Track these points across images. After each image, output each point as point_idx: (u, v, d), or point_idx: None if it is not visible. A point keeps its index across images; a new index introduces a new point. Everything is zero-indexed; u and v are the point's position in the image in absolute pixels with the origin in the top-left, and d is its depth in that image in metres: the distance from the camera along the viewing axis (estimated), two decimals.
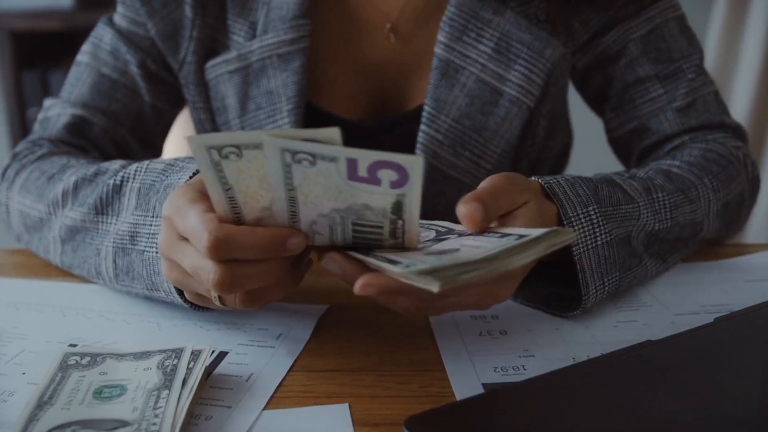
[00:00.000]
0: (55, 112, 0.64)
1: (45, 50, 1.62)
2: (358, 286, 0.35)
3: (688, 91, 0.63)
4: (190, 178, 0.45)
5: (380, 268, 0.36)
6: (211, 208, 0.39)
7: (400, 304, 0.40)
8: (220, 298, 0.41)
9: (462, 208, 0.39)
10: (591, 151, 0.87)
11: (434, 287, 0.32)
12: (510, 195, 0.42)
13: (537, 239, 0.37)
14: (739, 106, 1.67)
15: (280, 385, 0.41)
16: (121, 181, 0.50)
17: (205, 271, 0.38)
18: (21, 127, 1.56)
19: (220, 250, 0.37)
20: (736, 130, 0.64)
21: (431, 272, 0.33)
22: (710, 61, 1.67)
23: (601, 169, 0.57)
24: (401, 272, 0.34)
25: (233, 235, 0.37)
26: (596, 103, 0.69)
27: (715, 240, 0.61)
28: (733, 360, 0.43)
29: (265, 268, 0.39)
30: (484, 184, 0.42)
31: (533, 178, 0.47)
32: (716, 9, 1.65)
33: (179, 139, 0.82)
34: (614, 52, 0.64)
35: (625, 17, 0.62)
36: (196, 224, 0.38)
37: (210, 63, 0.64)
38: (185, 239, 0.40)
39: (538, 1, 0.59)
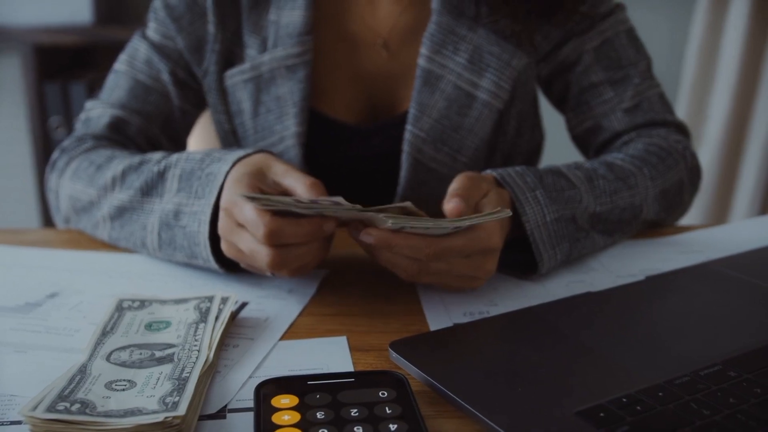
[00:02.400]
0: (96, 113, 0.74)
1: (66, 63, 1.72)
2: (363, 233, 0.49)
3: (635, 93, 0.74)
4: (230, 168, 0.56)
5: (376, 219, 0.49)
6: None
7: (400, 265, 0.51)
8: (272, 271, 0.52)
9: (448, 205, 0.50)
10: (564, 148, 0.98)
11: (388, 224, 0.46)
12: (476, 189, 0.53)
13: (477, 216, 0.50)
14: (719, 106, 1.77)
15: (291, 325, 0.52)
16: (164, 168, 0.60)
17: (261, 254, 0.50)
18: (42, 135, 1.66)
19: (273, 239, 0.48)
20: (678, 126, 0.75)
21: (390, 217, 0.47)
22: (691, 63, 1.78)
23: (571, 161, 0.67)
24: (377, 215, 0.47)
25: (282, 227, 0.48)
26: (558, 105, 0.79)
27: (657, 222, 0.71)
28: (657, 306, 0.53)
29: (307, 249, 0.51)
30: (456, 184, 0.53)
31: (488, 172, 0.58)
32: (697, 12, 1.76)
33: (200, 135, 0.92)
34: (571, 61, 0.74)
35: (580, 32, 0.73)
36: (253, 217, 0.49)
37: (228, 72, 0.74)
38: (242, 226, 0.51)
39: (504, 19, 0.70)
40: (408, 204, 0.50)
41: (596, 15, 0.73)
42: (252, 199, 0.48)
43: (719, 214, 1.86)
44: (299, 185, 0.52)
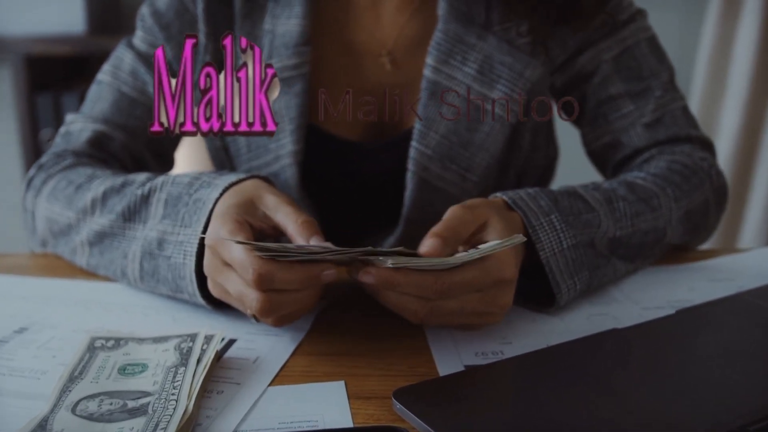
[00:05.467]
0: (77, 127, 0.69)
1: (58, 74, 1.68)
2: (362, 273, 0.43)
3: (656, 107, 0.68)
4: (220, 195, 0.51)
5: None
6: (250, 239, 0.45)
7: (408, 307, 0.45)
8: (255, 316, 0.46)
9: (423, 247, 0.45)
10: (579, 165, 0.93)
11: (387, 263, 0.42)
12: (467, 223, 0.47)
13: (487, 246, 0.44)
14: (730, 119, 1.72)
15: (283, 366, 0.46)
16: (149, 192, 0.55)
17: (249, 299, 0.44)
18: (34, 148, 1.61)
19: (263, 283, 0.43)
20: (703, 143, 0.70)
21: (390, 258, 0.42)
22: (703, 65, 1.73)
23: (587, 180, 0.62)
24: (374, 258, 0.43)
25: (273, 271, 0.43)
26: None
27: (681, 245, 0.66)
28: (691, 345, 0.48)
29: (300, 296, 0.45)
30: (445, 217, 0.47)
31: (497, 195, 0.53)
32: (709, 12, 1.71)
33: (188, 152, 0.87)
34: (588, 71, 0.69)
35: (599, 39, 0.68)
36: (242, 259, 0.44)
37: None
38: (229, 266, 0.46)
39: (517, 25, 0.65)
40: (402, 249, 0.44)
41: (616, 22, 0.68)
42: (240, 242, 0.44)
43: (729, 230, 1.81)
44: (290, 223, 0.47)
